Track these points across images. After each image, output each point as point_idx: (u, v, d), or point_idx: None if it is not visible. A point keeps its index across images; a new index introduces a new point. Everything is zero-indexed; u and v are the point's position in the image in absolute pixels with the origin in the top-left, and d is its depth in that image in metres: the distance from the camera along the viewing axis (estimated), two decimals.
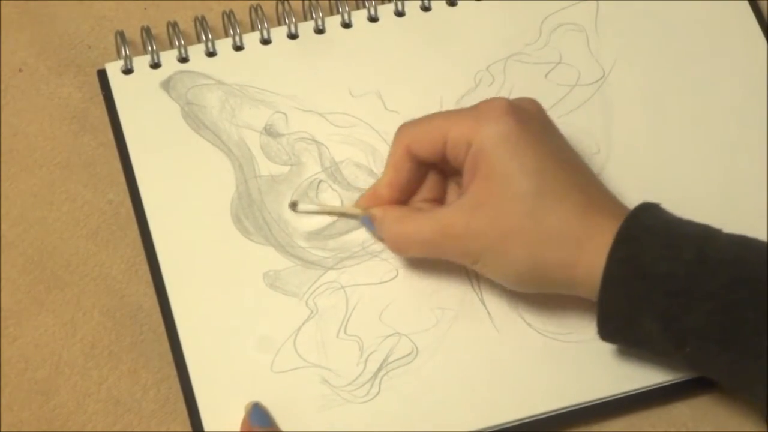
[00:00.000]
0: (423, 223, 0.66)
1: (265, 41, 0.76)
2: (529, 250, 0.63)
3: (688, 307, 0.61)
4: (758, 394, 0.62)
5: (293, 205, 0.70)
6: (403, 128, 0.68)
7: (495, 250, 0.64)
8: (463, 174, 0.66)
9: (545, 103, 0.74)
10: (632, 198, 0.71)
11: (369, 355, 0.66)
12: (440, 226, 0.65)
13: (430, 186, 0.69)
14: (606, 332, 0.65)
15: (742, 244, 0.63)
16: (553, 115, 0.74)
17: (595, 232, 0.63)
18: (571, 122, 0.74)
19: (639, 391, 0.66)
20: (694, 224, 0.64)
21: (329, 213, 0.70)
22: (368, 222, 0.69)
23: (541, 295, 0.67)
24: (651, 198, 0.71)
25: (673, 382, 0.66)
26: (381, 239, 0.69)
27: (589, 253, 0.63)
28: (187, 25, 0.76)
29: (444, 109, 0.73)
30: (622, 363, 0.66)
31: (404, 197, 0.69)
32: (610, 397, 0.66)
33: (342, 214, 0.70)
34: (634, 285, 0.62)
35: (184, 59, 0.74)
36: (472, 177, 0.65)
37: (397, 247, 0.68)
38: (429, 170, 0.69)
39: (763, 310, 0.60)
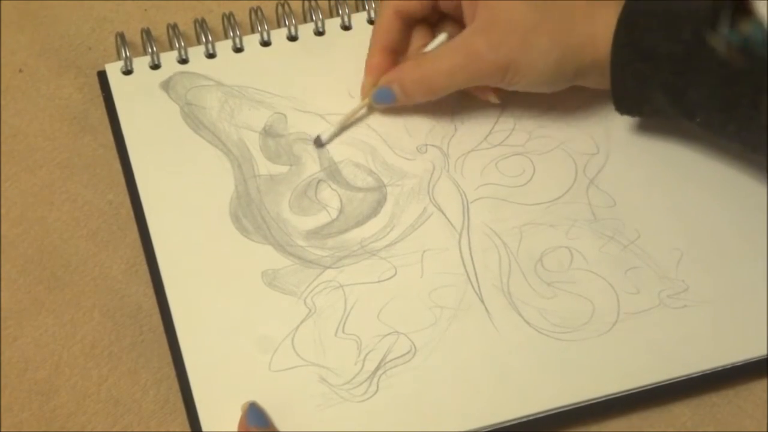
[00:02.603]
0: (444, 56, 0.70)
1: (265, 43, 0.76)
2: (553, 37, 0.68)
3: (691, 83, 0.66)
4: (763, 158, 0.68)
5: (318, 141, 0.72)
6: None
7: (522, 52, 0.68)
8: (463, 11, 0.71)
9: (547, 104, 0.74)
10: (631, 197, 0.71)
11: (367, 354, 0.66)
12: (462, 50, 0.70)
13: (418, 42, 0.73)
14: (622, 109, 0.70)
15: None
16: (554, 115, 0.74)
17: (604, 8, 0.68)
18: (571, 122, 0.74)
19: (639, 390, 0.66)
20: (692, 1, 0.67)
21: (349, 120, 0.73)
22: (384, 94, 0.72)
23: (540, 288, 0.68)
24: (650, 198, 0.71)
25: (673, 381, 0.66)
26: (405, 99, 0.72)
27: (602, 28, 0.67)
28: (187, 26, 0.76)
29: (442, 111, 0.74)
30: (621, 362, 0.66)
31: (397, 60, 0.73)
32: (610, 396, 0.66)
33: (358, 112, 0.73)
34: (639, 67, 0.67)
35: (184, 60, 0.75)
36: (474, 6, 0.69)
37: (426, 88, 0.71)
38: (415, 26, 0.73)
39: (755, 85, 0.64)
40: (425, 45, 0.73)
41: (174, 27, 0.75)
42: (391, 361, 0.66)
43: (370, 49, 0.73)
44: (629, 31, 0.67)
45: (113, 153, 0.72)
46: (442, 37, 0.72)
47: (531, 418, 0.65)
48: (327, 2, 0.78)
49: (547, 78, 0.69)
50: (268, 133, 0.73)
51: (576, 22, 0.68)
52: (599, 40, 0.68)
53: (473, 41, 0.69)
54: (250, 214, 0.70)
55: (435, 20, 0.74)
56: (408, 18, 0.73)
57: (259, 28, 0.76)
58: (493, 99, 0.73)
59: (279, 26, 0.77)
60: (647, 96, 0.68)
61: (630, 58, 0.67)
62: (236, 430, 0.64)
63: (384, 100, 0.72)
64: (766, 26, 0.58)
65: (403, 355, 0.66)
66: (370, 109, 0.73)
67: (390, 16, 0.72)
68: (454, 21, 0.73)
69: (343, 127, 0.73)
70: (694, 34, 0.65)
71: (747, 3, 0.60)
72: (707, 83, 0.66)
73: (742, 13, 0.62)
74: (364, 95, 0.73)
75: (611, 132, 0.74)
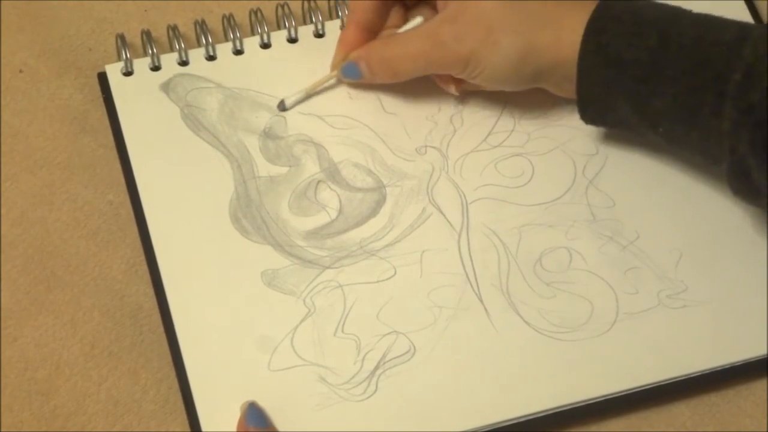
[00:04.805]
0: (410, 40, 0.71)
1: (265, 45, 0.76)
2: (517, 35, 0.68)
3: (655, 91, 0.65)
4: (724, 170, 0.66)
5: (281, 105, 0.73)
6: None
7: (485, 45, 0.68)
8: None
9: (544, 106, 0.74)
10: (630, 198, 0.71)
11: (366, 354, 0.66)
12: (428, 37, 0.70)
13: (393, 20, 0.74)
14: (587, 117, 0.70)
15: (705, 24, 0.66)
16: (553, 117, 0.74)
17: (573, 12, 0.68)
18: (570, 123, 0.74)
19: (638, 390, 0.66)
20: (662, 7, 0.67)
21: (315, 89, 0.74)
22: (351, 69, 0.72)
23: (539, 288, 0.68)
24: (650, 198, 0.71)
25: (672, 380, 0.66)
26: (371, 77, 0.72)
27: (568, 31, 0.67)
28: (187, 27, 0.76)
29: (441, 112, 0.74)
30: (620, 362, 0.66)
31: (371, 37, 0.73)
32: (609, 396, 0.66)
33: (324, 83, 0.74)
34: (605, 73, 0.66)
35: (184, 62, 0.75)
36: None
37: (390, 70, 0.71)
38: (392, 5, 0.73)
39: (719, 92, 0.63)
40: (399, 25, 0.73)
41: (174, 28, 0.75)
42: (390, 360, 0.66)
43: (345, 23, 0.74)
44: (597, 35, 0.66)
45: (113, 153, 0.73)
46: (417, 20, 0.73)
47: (530, 417, 0.65)
48: (327, 3, 0.78)
49: (506, 75, 0.69)
50: (267, 134, 0.73)
51: (543, 22, 0.68)
52: (564, 43, 0.67)
53: (439, 30, 0.70)
54: (249, 214, 0.70)
55: (412, 2, 0.74)
56: None
57: (259, 30, 0.76)
58: (453, 91, 0.73)
59: (279, 28, 0.77)
60: (611, 104, 0.67)
61: (596, 63, 0.66)
62: (235, 430, 0.64)
63: (351, 75, 0.73)
64: None
65: (402, 354, 0.66)
66: (339, 83, 0.74)
67: None
68: (430, 5, 0.73)
69: (309, 95, 0.74)
70: (659, 40, 0.65)
71: None
72: (670, 91, 0.65)
73: None
74: (333, 67, 0.74)
75: (610, 132, 0.74)
